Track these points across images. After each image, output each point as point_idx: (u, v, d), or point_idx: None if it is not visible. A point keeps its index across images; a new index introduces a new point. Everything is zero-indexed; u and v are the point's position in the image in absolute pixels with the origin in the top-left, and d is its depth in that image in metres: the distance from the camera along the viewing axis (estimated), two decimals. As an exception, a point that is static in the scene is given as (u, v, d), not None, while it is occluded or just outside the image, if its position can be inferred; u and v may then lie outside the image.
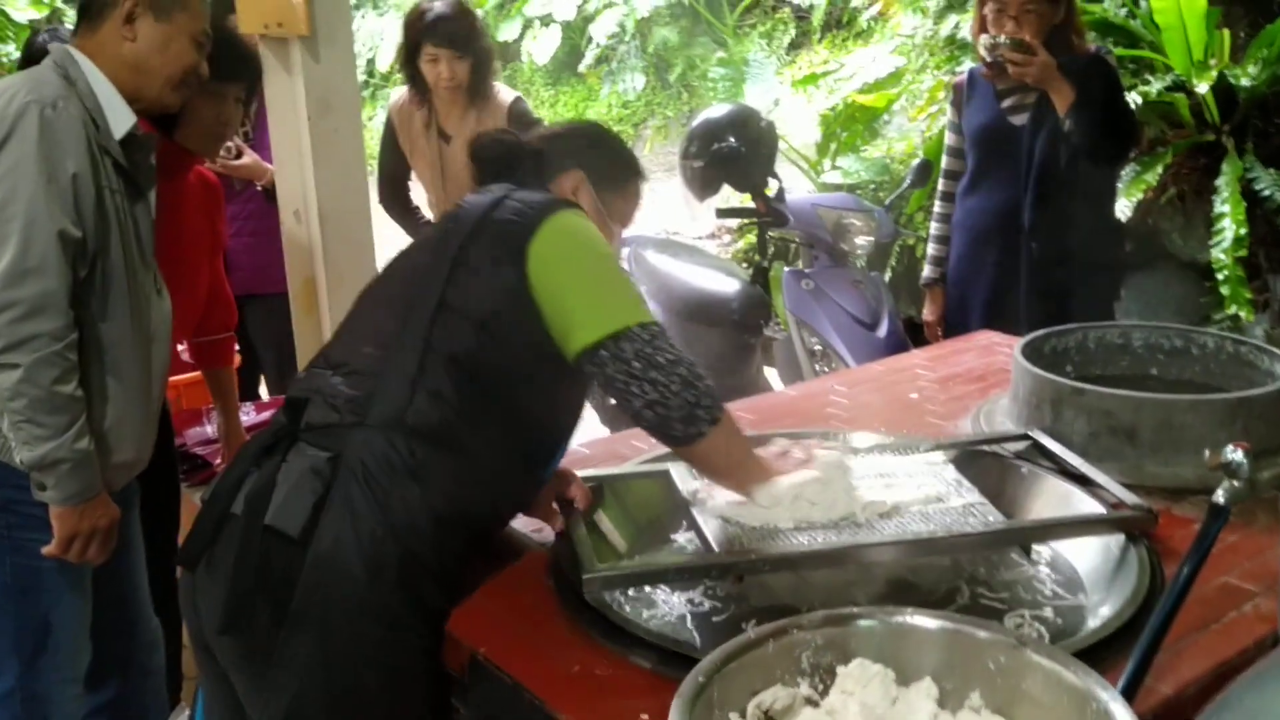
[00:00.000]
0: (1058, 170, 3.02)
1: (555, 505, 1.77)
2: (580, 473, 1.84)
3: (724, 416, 1.59)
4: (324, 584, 1.53)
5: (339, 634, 1.53)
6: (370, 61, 11.57)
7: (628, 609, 1.62)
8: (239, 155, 3.43)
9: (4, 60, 9.90)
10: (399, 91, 3.65)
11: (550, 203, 1.67)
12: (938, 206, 3.44)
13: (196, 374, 3.31)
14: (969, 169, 3.26)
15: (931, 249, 3.46)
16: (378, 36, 11.52)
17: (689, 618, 1.61)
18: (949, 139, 3.38)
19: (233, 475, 1.64)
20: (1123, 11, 4.78)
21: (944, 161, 3.40)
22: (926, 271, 3.48)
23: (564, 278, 1.60)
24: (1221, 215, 4.09)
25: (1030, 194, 3.07)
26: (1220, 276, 4.02)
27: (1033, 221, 3.08)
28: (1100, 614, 1.53)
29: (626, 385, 1.55)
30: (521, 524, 1.83)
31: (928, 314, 3.51)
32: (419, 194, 3.81)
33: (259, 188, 3.51)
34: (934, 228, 3.45)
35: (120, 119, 1.98)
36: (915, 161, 3.95)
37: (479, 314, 1.60)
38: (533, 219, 1.63)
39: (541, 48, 9.88)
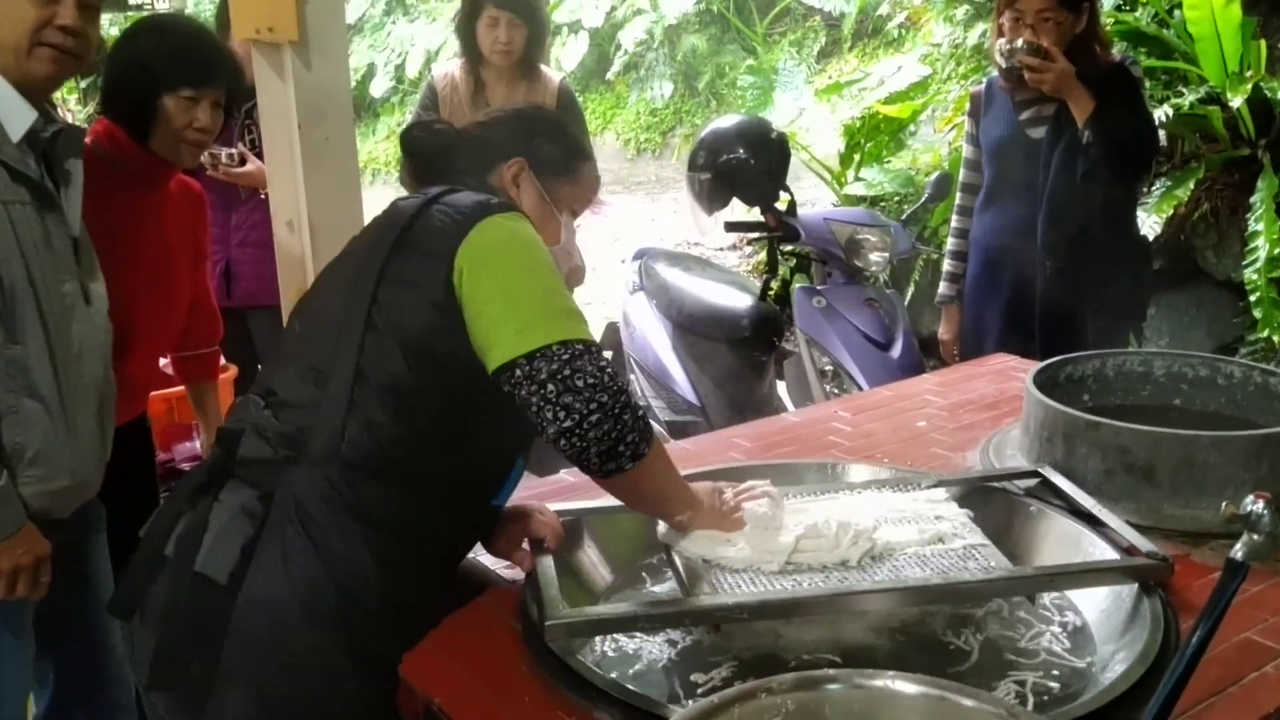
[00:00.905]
0: (1075, 185, 2.91)
1: (526, 544, 1.65)
2: (557, 506, 1.74)
3: (650, 452, 1.46)
4: (255, 632, 1.42)
5: (274, 687, 1.42)
6: (399, 67, 11.57)
7: (604, 654, 1.52)
8: (242, 162, 3.37)
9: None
10: (444, 65, 3.62)
11: (480, 206, 1.52)
12: (954, 221, 3.35)
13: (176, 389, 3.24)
14: (985, 183, 3.15)
15: (948, 265, 3.37)
16: (407, 42, 11.52)
17: (671, 662, 1.51)
18: (966, 151, 3.28)
19: (166, 515, 1.54)
20: (1155, 22, 4.64)
21: (961, 175, 3.29)
22: (942, 289, 3.39)
23: (486, 289, 1.46)
24: (1255, 234, 3.95)
25: (1046, 210, 2.96)
26: (1253, 299, 3.88)
27: (1047, 239, 2.97)
28: (1107, 675, 1.41)
29: (540, 409, 1.40)
30: (490, 560, 1.72)
31: (943, 333, 3.42)
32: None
33: (262, 195, 3.44)
34: (950, 243, 3.36)
35: (17, 119, 1.80)
36: (934, 175, 3.83)
37: (407, 335, 1.48)
38: (460, 225, 1.49)
39: (570, 55, 9.83)
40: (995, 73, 3.12)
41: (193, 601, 1.45)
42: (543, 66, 3.59)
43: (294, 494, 1.45)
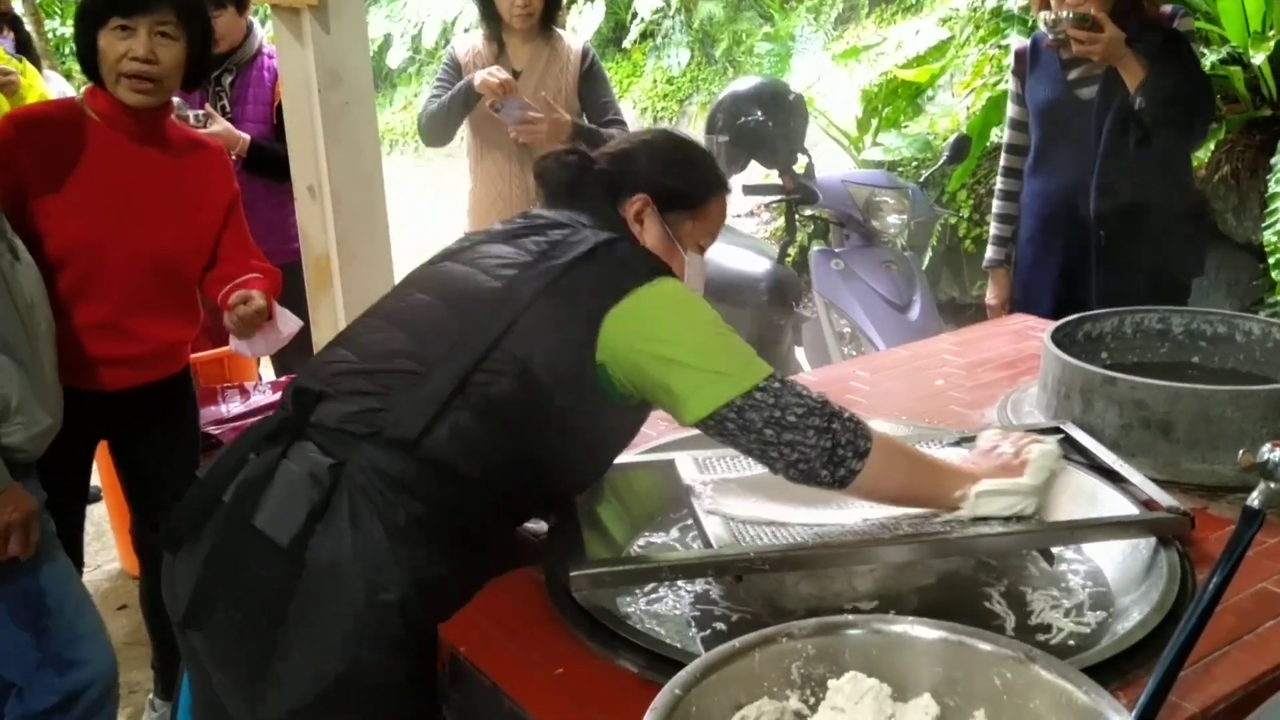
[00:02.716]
0: (1128, 152, 2.83)
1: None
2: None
3: (872, 446, 1.48)
4: (322, 602, 1.44)
5: (336, 658, 1.44)
6: (416, 38, 11.57)
7: (629, 607, 1.54)
8: (208, 125, 3.35)
9: (51, 36, 10.01)
10: (465, 37, 3.65)
11: (642, 270, 1.54)
12: (1001, 183, 3.25)
13: (211, 352, 3.27)
14: (1033, 145, 3.08)
15: (995, 229, 3.28)
16: (424, 13, 11.51)
17: (692, 612, 1.53)
18: (1011, 110, 3.19)
19: (231, 458, 1.55)
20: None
21: (1006, 135, 3.22)
22: (990, 253, 3.31)
23: (662, 350, 1.48)
24: (1276, 196, 3.91)
25: (1097, 179, 2.89)
26: (1272, 261, 3.85)
27: (1099, 209, 2.90)
28: (1124, 623, 1.43)
29: (764, 451, 1.47)
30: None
31: (991, 297, 3.35)
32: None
33: (233, 156, 3.44)
34: (997, 206, 3.27)
35: None
36: (951, 137, 3.81)
37: (532, 365, 1.49)
38: (621, 286, 1.51)
39: (586, 23, 9.79)
40: (1018, 35, 3.08)
41: (243, 552, 1.47)
42: (561, 30, 3.59)
43: (365, 469, 1.46)
